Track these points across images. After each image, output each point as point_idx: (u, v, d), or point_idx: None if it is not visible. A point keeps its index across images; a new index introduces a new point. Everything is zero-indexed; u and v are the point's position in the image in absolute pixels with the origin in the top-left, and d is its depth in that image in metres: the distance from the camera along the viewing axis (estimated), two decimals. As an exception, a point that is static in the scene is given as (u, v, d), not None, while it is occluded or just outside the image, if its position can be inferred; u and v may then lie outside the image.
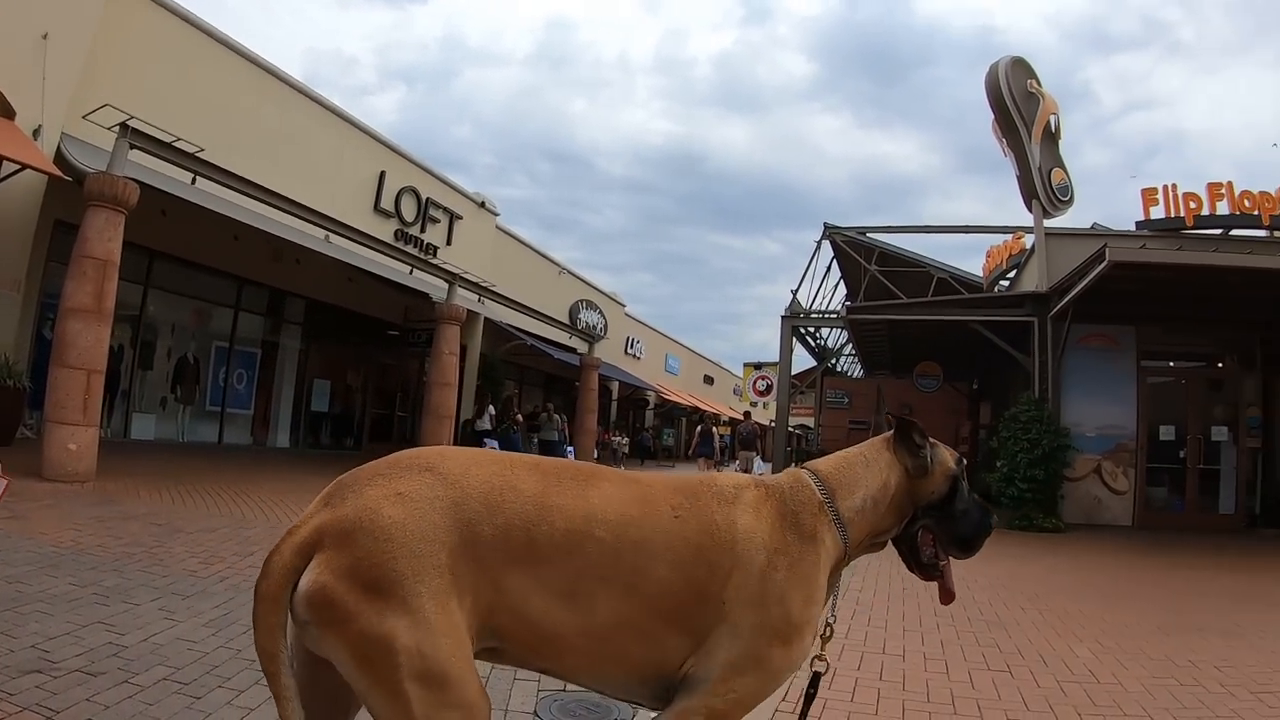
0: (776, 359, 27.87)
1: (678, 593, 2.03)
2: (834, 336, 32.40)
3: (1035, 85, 19.41)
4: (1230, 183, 17.82)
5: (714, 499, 2.17)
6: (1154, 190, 18.14)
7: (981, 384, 26.23)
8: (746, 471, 21.21)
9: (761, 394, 34.28)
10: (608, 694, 2.31)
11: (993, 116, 19.51)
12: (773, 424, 30.10)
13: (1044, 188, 18.81)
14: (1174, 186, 18.00)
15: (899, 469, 2.44)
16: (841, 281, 31.81)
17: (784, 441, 27.88)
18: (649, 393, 41.17)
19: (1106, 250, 12.82)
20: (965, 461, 2.62)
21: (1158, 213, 18.01)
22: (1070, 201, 19.69)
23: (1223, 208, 17.73)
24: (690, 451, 32.53)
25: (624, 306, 36.67)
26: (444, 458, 2.00)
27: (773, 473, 22.35)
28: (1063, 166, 19.73)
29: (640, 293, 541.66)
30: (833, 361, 34.51)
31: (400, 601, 1.75)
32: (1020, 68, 19.33)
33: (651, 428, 46.44)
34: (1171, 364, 18.08)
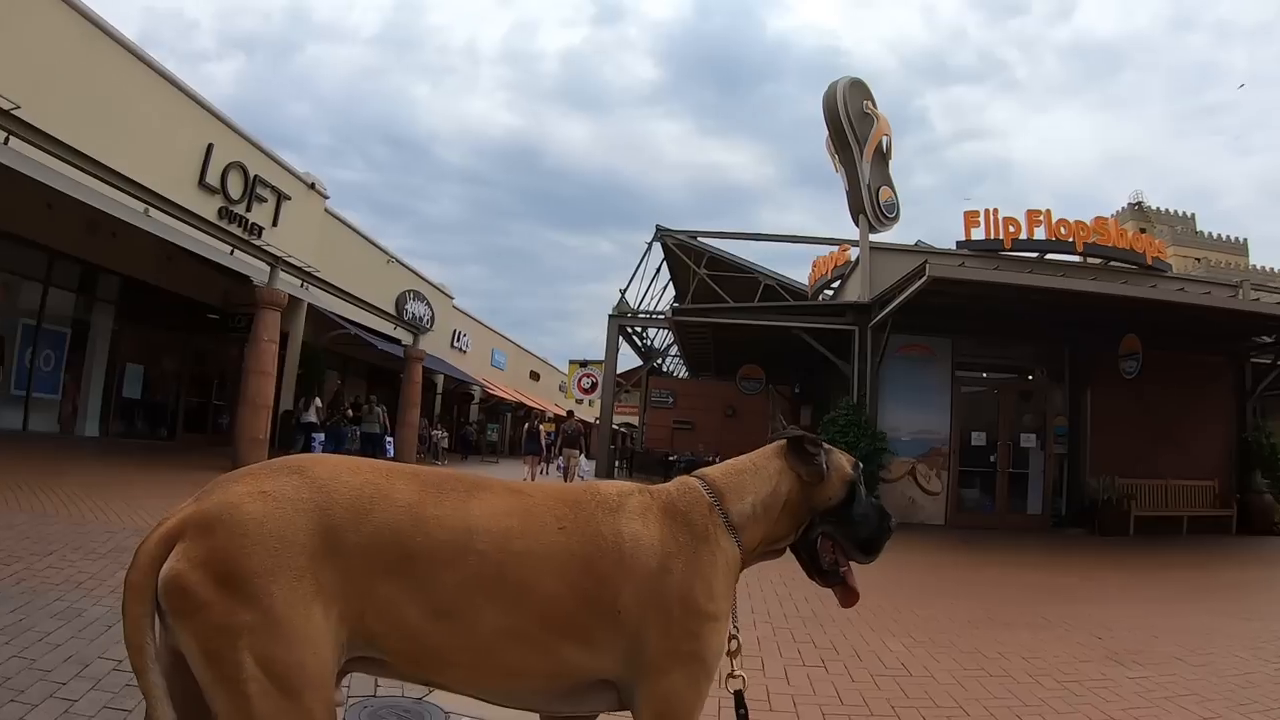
0: (603, 357, 27.93)
1: (566, 604, 2.01)
2: (660, 337, 32.72)
3: (871, 106, 20.04)
4: (1049, 211, 18.90)
5: (599, 509, 2.14)
6: (976, 213, 19.01)
7: (803, 388, 26.81)
8: (568, 470, 21.35)
9: (586, 391, 34.41)
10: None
11: (827, 133, 20.03)
12: (597, 422, 30.15)
13: (871, 204, 19.41)
14: (995, 211, 18.94)
15: (791, 475, 2.41)
16: (670, 283, 32.12)
17: (608, 439, 27.98)
18: (474, 387, 40.75)
19: (926, 266, 13.43)
20: (861, 465, 2.61)
21: (978, 234, 18.89)
22: (896, 218, 20.35)
23: (1040, 233, 18.78)
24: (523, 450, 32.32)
25: (452, 299, 36.08)
26: (317, 463, 1.97)
27: (596, 472, 22.56)
28: (891, 185, 20.36)
29: (473, 286, 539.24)
30: (658, 362, 34.85)
31: (252, 599, 1.70)
32: (858, 89, 19.93)
33: (476, 423, 45.86)
34: (985, 375, 18.95)
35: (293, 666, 1.71)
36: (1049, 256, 19.04)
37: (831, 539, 2.46)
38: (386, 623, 1.86)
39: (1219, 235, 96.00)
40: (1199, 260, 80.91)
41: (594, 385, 33.00)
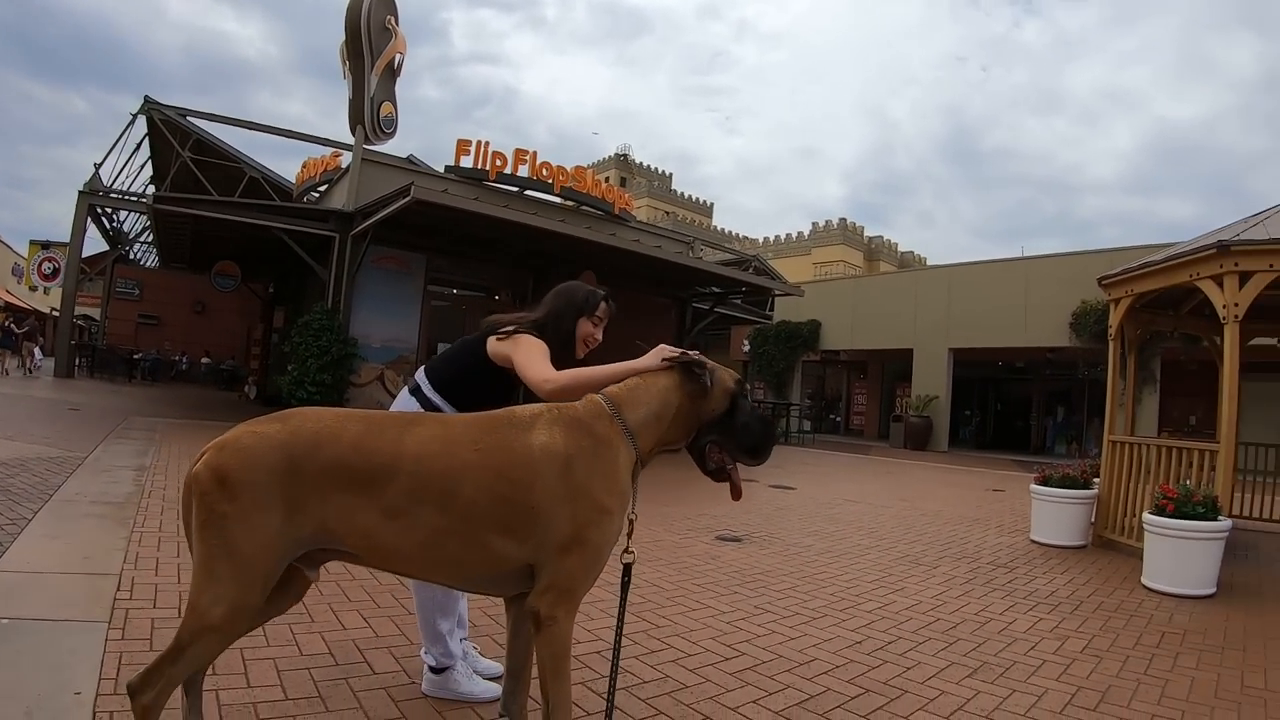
0: (67, 239, 26.00)
1: (488, 507, 2.60)
2: (132, 221, 30.73)
3: (393, 23, 20.10)
4: (534, 152, 20.89)
5: (510, 429, 2.73)
6: (468, 142, 20.54)
7: (278, 289, 26.48)
8: (28, 364, 20.98)
9: (47, 278, 31.58)
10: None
11: (344, 39, 19.81)
12: (54, 312, 27.92)
13: (371, 117, 19.48)
14: (486, 144, 20.48)
15: (680, 390, 2.97)
16: (150, 162, 30.33)
17: (69, 334, 26.08)
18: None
19: (412, 188, 14.07)
20: (745, 381, 3.14)
21: (468, 161, 20.42)
22: (393, 134, 20.62)
23: (524, 170, 20.67)
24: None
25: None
26: (298, 414, 2.67)
27: (55, 371, 21.55)
28: (394, 102, 20.55)
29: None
30: (126, 248, 32.62)
31: (233, 496, 2.43)
32: (384, 3, 19.89)
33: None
34: (455, 291, 20.17)
35: (244, 543, 2.43)
36: (529, 193, 20.72)
37: (718, 445, 3.01)
38: (345, 525, 2.54)
39: (691, 196, 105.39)
40: (668, 214, 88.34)
41: (56, 271, 30.32)
